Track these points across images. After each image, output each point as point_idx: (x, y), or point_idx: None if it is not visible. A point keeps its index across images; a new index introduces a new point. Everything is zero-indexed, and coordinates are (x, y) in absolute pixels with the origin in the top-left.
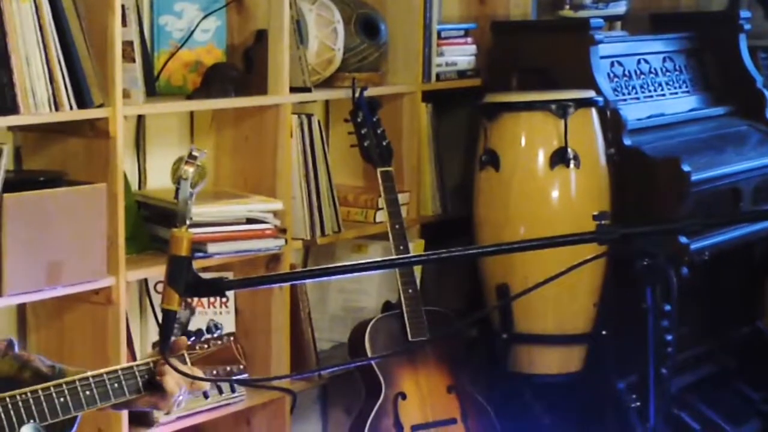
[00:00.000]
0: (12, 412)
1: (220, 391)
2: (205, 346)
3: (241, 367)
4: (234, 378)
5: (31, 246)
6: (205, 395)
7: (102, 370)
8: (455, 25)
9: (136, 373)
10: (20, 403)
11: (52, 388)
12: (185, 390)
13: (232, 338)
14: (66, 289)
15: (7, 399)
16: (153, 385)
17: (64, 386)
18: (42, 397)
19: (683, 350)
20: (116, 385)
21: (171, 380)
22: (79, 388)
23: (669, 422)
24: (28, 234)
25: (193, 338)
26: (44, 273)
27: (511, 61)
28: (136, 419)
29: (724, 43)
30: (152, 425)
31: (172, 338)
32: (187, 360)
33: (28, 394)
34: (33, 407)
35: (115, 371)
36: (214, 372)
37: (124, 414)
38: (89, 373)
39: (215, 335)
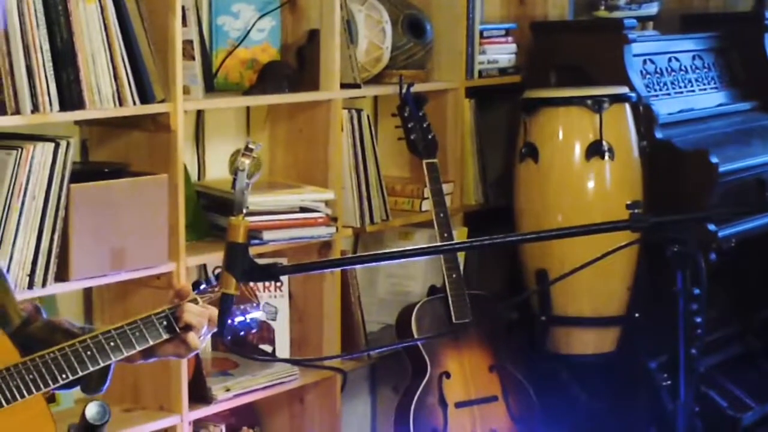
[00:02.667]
0: (44, 370)
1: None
2: (216, 289)
3: (255, 303)
4: (290, 359)
5: (97, 233)
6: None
7: (122, 322)
8: (496, 25)
9: (154, 321)
10: (50, 362)
11: (78, 344)
12: (206, 329)
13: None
14: (129, 273)
15: (38, 359)
16: (173, 333)
17: (89, 341)
18: (70, 353)
19: (711, 332)
20: (137, 333)
21: (192, 317)
22: (103, 341)
23: (698, 399)
24: (93, 222)
25: (202, 286)
26: (109, 259)
27: (549, 59)
28: (196, 397)
29: (749, 41)
30: (211, 402)
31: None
32: (200, 302)
33: (57, 352)
34: (63, 363)
35: (135, 321)
36: None
37: (185, 391)
38: (111, 327)
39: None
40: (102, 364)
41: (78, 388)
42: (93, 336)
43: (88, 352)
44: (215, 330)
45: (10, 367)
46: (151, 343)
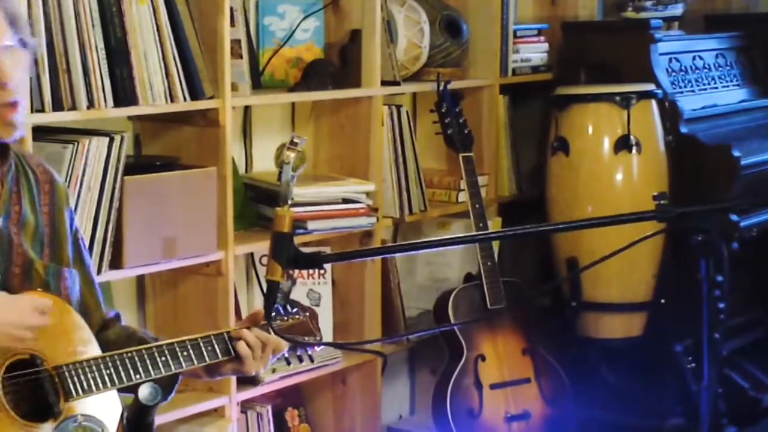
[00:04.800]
0: (120, 368)
1: (300, 360)
2: (286, 319)
3: (318, 338)
4: (332, 342)
5: (149, 223)
6: (288, 362)
7: (196, 335)
8: (529, 26)
9: (213, 341)
10: (127, 361)
11: (154, 349)
12: (264, 354)
13: (308, 314)
14: (180, 262)
15: (116, 356)
16: (229, 356)
17: (165, 347)
18: (146, 355)
19: (734, 317)
20: (209, 347)
21: (243, 346)
22: (177, 349)
23: (721, 381)
24: (146, 212)
25: (273, 314)
26: (161, 247)
27: (580, 58)
28: (244, 379)
29: None
30: (258, 384)
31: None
32: (271, 331)
33: (134, 353)
34: (138, 363)
35: (207, 336)
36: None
37: None
38: (184, 338)
39: (293, 311)
40: (171, 372)
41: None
42: (169, 343)
43: (162, 358)
44: (280, 356)
45: (90, 360)
46: (208, 361)
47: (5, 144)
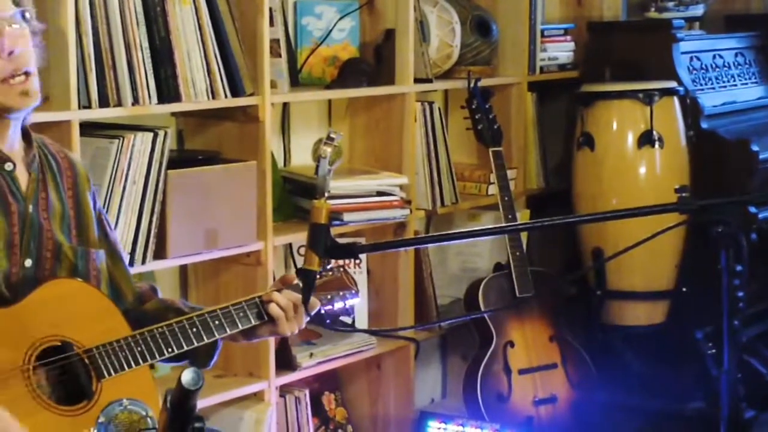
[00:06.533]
0: (151, 343)
1: (337, 315)
2: (318, 276)
3: (354, 291)
4: (367, 329)
5: (192, 215)
6: (324, 323)
7: (227, 303)
8: (556, 25)
9: (245, 308)
10: (158, 336)
11: (185, 321)
12: (297, 315)
13: (342, 269)
14: (221, 252)
15: (146, 333)
16: (263, 320)
17: (195, 318)
18: (177, 329)
19: (752, 305)
20: (242, 314)
21: (275, 308)
22: (208, 319)
23: (740, 367)
24: (189, 205)
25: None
26: (203, 238)
27: (604, 56)
28: (282, 364)
29: None
30: (296, 369)
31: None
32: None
33: (164, 328)
34: (169, 337)
35: (238, 303)
36: (328, 296)
37: (272, 359)
38: (210, 308)
39: (327, 268)
40: (203, 342)
41: (186, 362)
42: (199, 314)
43: (194, 329)
44: (315, 312)
45: (120, 339)
46: (241, 327)
47: (28, 133)
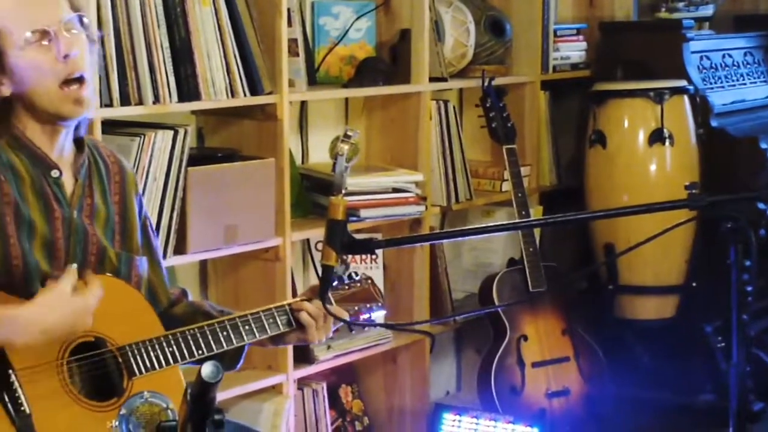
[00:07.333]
0: (183, 344)
1: (363, 326)
2: (346, 287)
3: (379, 303)
4: (383, 323)
5: (211, 211)
6: (350, 328)
7: (257, 309)
8: (569, 25)
9: (274, 314)
10: (189, 338)
11: (216, 324)
12: (326, 324)
13: (369, 280)
14: (240, 247)
15: (178, 334)
16: (291, 327)
17: (227, 322)
18: (208, 331)
19: (761, 299)
20: (271, 320)
21: (305, 316)
22: (239, 323)
23: (749, 360)
24: (208, 201)
25: (335, 282)
26: (222, 234)
27: (616, 55)
28: (300, 357)
29: None
30: (313, 362)
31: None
32: (331, 300)
33: (196, 330)
34: (200, 339)
35: (269, 309)
36: (356, 308)
37: (290, 351)
38: (246, 312)
39: (355, 279)
40: (233, 345)
41: None
42: (230, 318)
43: (224, 333)
44: (340, 324)
45: (153, 339)
46: (270, 334)
47: (81, 138)
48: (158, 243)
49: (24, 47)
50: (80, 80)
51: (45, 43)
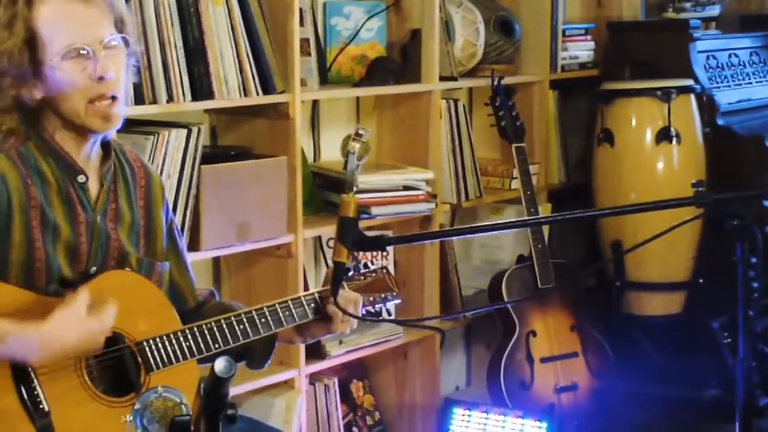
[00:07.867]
0: (199, 339)
1: (377, 315)
2: (362, 278)
3: (395, 293)
4: (394, 319)
5: (224, 209)
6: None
7: (275, 301)
8: (577, 25)
9: (303, 302)
10: (206, 332)
11: (233, 318)
12: (351, 309)
13: (385, 270)
14: (253, 244)
15: (195, 328)
16: (322, 313)
17: (243, 316)
18: (224, 325)
19: (767, 295)
20: (287, 312)
21: (332, 306)
22: (255, 317)
23: (755, 355)
24: (221, 199)
25: (351, 273)
26: (235, 231)
27: (624, 55)
28: (312, 353)
29: None
30: (325, 357)
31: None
32: (345, 287)
33: (213, 323)
34: (216, 333)
35: (285, 301)
36: (371, 298)
37: (302, 348)
38: (264, 305)
39: (371, 269)
40: (252, 338)
41: (244, 362)
42: (246, 311)
43: (241, 326)
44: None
45: (170, 333)
46: (298, 322)
47: (108, 143)
48: (184, 245)
49: (61, 60)
50: (113, 99)
51: (82, 60)
